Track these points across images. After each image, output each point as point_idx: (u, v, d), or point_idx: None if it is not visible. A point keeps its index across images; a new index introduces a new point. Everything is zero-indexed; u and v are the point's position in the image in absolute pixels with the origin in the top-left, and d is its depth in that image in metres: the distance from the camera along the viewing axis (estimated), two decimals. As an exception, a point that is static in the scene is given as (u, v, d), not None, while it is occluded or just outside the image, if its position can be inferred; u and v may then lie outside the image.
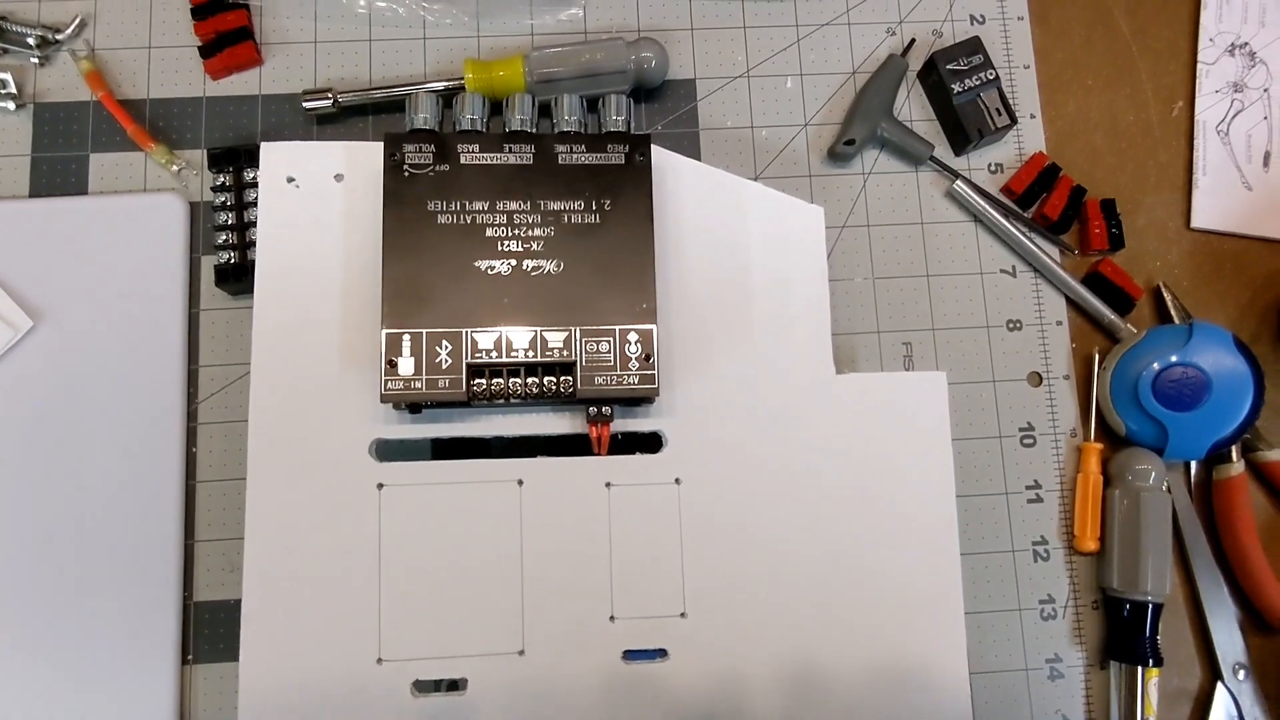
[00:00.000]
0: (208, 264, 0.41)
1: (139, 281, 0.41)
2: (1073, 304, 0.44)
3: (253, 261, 0.39)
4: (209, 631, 0.39)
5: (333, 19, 0.44)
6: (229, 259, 0.40)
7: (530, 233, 0.35)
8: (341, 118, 0.43)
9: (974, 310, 0.44)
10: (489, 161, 0.36)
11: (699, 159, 0.44)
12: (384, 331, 0.34)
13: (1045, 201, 0.44)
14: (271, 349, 0.37)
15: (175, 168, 0.42)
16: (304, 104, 0.42)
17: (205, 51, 0.43)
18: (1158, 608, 0.39)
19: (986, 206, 0.44)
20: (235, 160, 0.41)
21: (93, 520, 0.39)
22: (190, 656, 0.39)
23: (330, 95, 0.42)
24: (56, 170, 0.42)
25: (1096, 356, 0.43)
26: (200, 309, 0.42)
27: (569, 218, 0.35)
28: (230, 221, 0.41)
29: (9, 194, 0.42)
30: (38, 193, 0.42)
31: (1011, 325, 0.44)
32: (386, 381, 0.34)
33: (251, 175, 0.41)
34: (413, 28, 0.45)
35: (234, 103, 0.43)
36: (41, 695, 0.37)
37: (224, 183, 0.41)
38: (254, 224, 0.40)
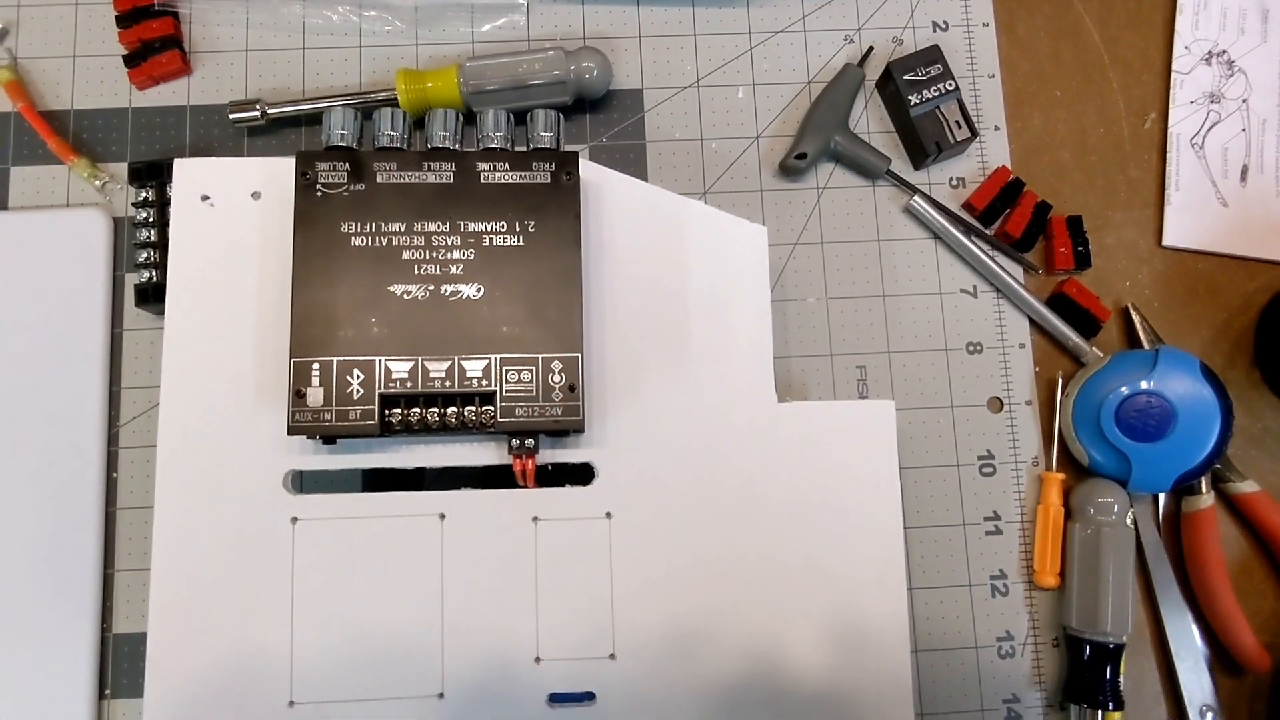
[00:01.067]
0: (131, 282, 0.40)
1: (60, 299, 0.39)
2: (1036, 326, 0.42)
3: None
4: (129, 665, 0.37)
5: (265, 27, 0.43)
6: (150, 278, 0.39)
7: (449, 255, 0.33)
8: (272, 129, 0.42)
9: (932, 332, 0.42)
10: (407, 180, 0.34)
11: (645, 172, 0.42)
12: (291, 360, 0.32)
13: (1008, 218, 0.42)
14: (183, 373, 0.35)
15: (99, 182, 0.41)
16: (231, 116, 0.40)
17: (130, 60, 0.41)
18: (1119, 648, 0.37)
19: (946, 223, 0.42)
20: (158, 175, 0.39)
21: (6, 548, 0.37)
22: (108, 691, 0.37)
23: (258, 107, 0.40)
24: (-25, 184, 0.41)
25: (1060, 381, 0.41)
26: (123, 329, 0.40)
27: (491, 240, 0.34)
28: (152, 239, 0.39)
29: (-74, 209, 0.40)
30: (-44, 207, 0.41)
31: (972, 348, 0.42)
32: (294, 412, 0.32)
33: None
34: (349, 36, 0.43)
35: (161, 114, 0.42)
36: (-53, 733, 0.36)
37: (146, 198, 0.39)
38: (176, 242, 0.38)
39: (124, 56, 0.41)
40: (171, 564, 0.34)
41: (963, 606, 0.40)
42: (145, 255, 0.39)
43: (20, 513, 0.38)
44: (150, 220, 0.39)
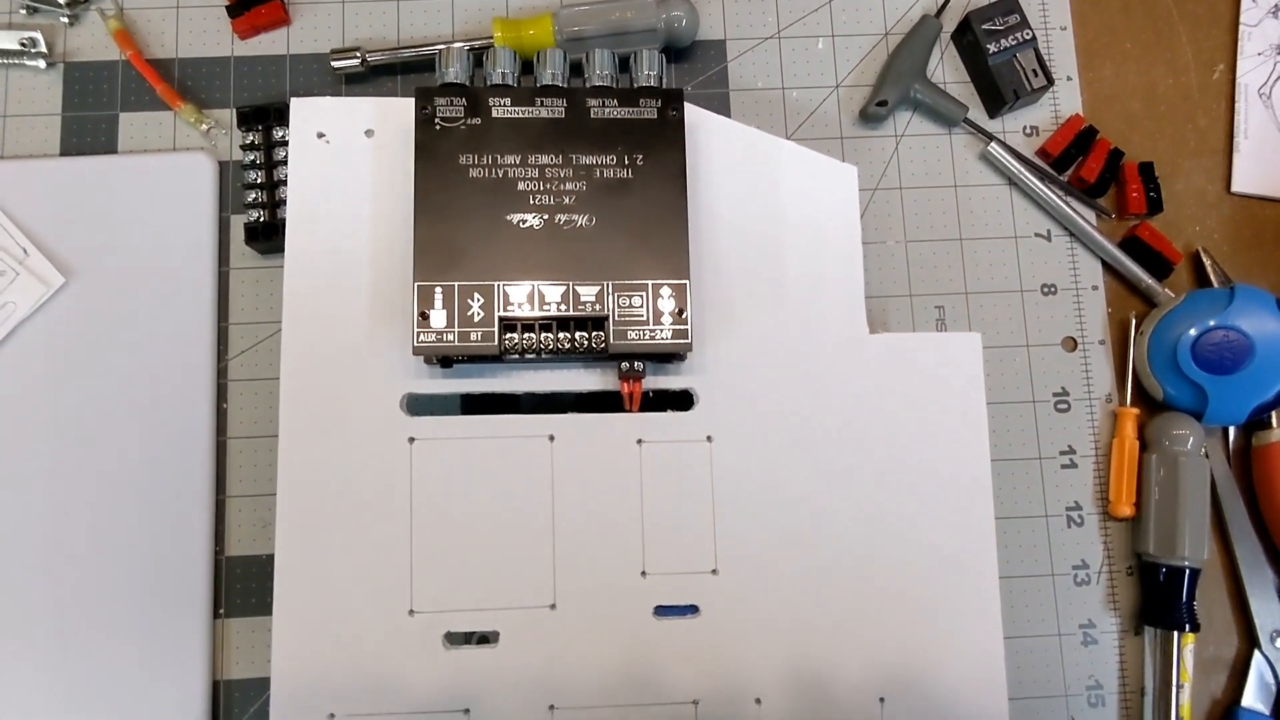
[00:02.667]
0: (237, 223, 0.41)
1: (169, 240, 0.41)
2: (1109, 268, 0.43)
3: (282, 220, 0.39)
4: (241, 586, 0.39)
5: (361, -22, 0.44)
6: (258, 217, 0.40)
7: (562, 187, 0.35)
8: (370, 77, 0.43)
9: (1008, 274, 0.43)
10: (521, 115, 0.35)
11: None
12: (416, 284, 0.34)
13: (1082, 164, 0.43)
14: (303, 304, 0.36)
15: (204, 127, 0.42)
16: (332, 63, 0.42)
17: (233, 11, 0.43)
18: (1195, 573, 0.39)
19: (1021, 169, 0.43)
20: (264, 119, 0.41)
21: (124, 475, 0.39)
22: (222, 610, 0.39)
23: (359, 55, 0.42)
24: (87, 129, 0.42)
25: (1133, 321, 0.42)
26: (230, 268, 0.42)
27: (601, 172, 0.35)
28: (259, 180, 0.41)
29: (40, 152, 0.42)
30: (68, 151, 0.42)
31: (1046, 289, 0.43)
32: (419, 334, 0.33)
33: (280, 134, 0.41)
34: (441, -13, 0.44)
35: (262, 62, 0.43)
36: (74, 650, 0.37)
37: (253, 141, 0.41)
38: (283, 182, 0.40)
39: (227, 7, 0.43)
40: (296, 484, 0.35)
41: (1040, 536, 0.41)
42: (253, 196, 0.41)
43: (137, 442, 0.39)
44: (257, 162, 0.41)
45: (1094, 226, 0.43)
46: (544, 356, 0.35)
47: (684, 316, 0.34)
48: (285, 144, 0.40)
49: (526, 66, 0.40)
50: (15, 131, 0.42)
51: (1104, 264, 0.43)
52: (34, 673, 0.37)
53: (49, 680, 0.37)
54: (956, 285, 0.43)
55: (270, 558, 0.37)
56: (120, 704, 0.37)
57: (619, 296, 0.34)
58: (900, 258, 0.43)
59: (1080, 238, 0.43)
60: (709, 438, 0.37)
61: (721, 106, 0.44)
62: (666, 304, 0.34)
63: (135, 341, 0.40)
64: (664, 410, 0.37)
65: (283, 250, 0.38)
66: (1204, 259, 0.43)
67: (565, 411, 0.37)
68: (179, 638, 0.38)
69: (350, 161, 0.37)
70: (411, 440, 0.36)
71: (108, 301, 0.40)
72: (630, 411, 0.36)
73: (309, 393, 0.36)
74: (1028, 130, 0.44)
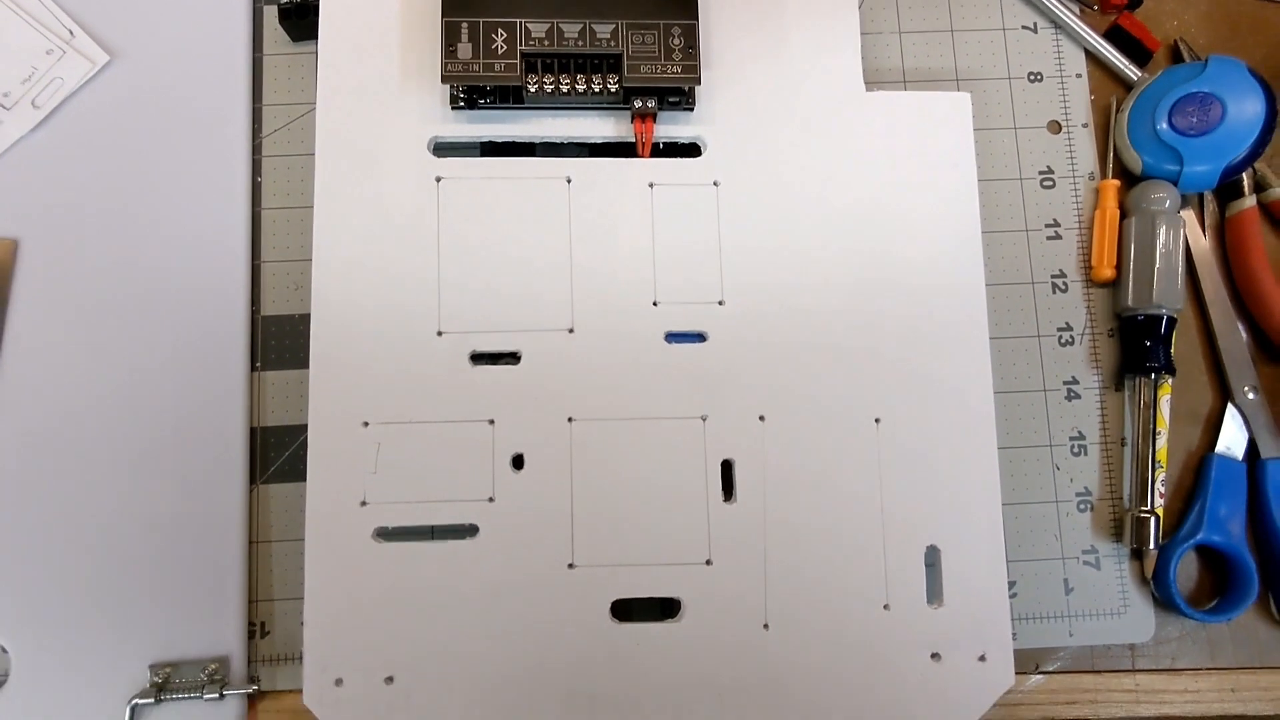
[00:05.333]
0: (270, 12, 0.44)
1: (206, 22, 0.44)
2: (1092, 58, 0.46)
3: (315, 2, 0.42)
4: (275, 342, 0.42)
5: None
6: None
7: (580, -68, 0.37)
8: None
9: (996, 63, 0.46)
10: None
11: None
12: (444, 20, 0.36)
13: (1066, -39, 0.46)
14: (336, 54, 0.39)
15: (239, -80, 0.45)
16: None
17: None
18: (1171, 321, 0.41)
19: (1009, -34, 0.45)
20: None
21: (163, 243, 0.42)
22: (259, 365, 0.42)
23: None
24: (128, -76, 0.45)
25: (1114, 102, 0.45)
26: (263, 53, 0.44)
27: (617, -81, 0.38)
28: (293, -36, 0.43)
29: (84, -57, 0.44)
30: (110, -58, 0.44)
31: (1033, 77, 0.46)
32: (446, 63, 0.36)
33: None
34: None
35: None
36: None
37: (286, -76, 0.43)
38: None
39: None
40: (332, 214, 0.38)
41: (1026, 300, 0.44)
42: (286, -21, 0.43)
43: (173, 213, 0.42)
44: (290, -52, 0.43)
45: (1078, 17, 0.45)
46: (561, 96, 0.37)
47: (694, 53, 0.37)
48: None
49: None
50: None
51: (1087, 53, 0.46)
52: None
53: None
54: (948, 74, 0.45)
55: (304, 316, 0.40)
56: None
57: (633, 34, 0.37)
58: (894, 47, 0.46)
59: (1064, 29, 0.46)
60: (716, 183, 0.39)
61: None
62: (677, 41, 0.37)
63: (174, 119, 0.43)
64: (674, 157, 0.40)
65: (314, 37, 0.41)
66: (1181, 47, 0.45)
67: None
68: (221, 390, 0.41)
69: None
70: (439, 180, 0.38)
71: (149, 80, 0.43)
72: (642, 157, 0.39)
73: (344, 131, 0.38)
74: (1015, -69, 0.47)
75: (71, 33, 0.43)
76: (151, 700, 0.37)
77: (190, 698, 0.37)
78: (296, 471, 0.40)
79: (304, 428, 0.38)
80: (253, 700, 0.39)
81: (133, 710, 0.37)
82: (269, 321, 0.42)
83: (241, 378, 0.41)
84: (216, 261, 0.42)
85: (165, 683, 0.38)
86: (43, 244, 0.41)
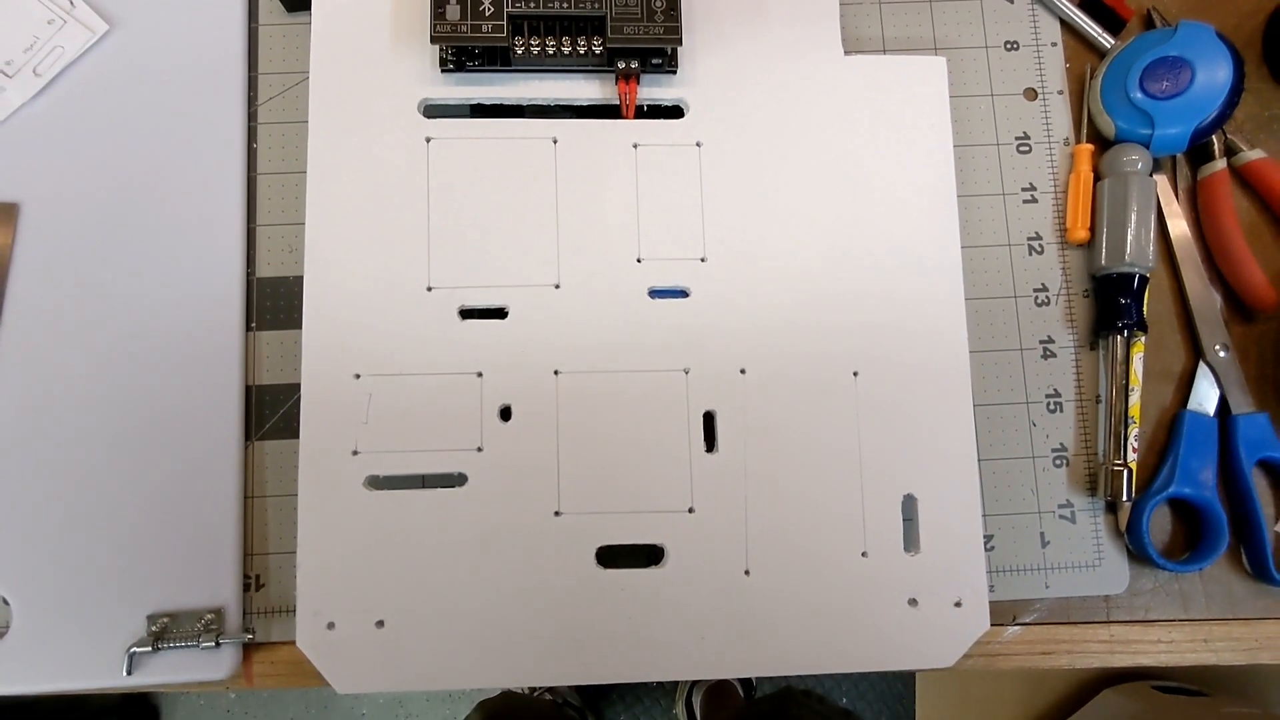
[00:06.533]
0: (266, -17, 0.45)
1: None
2: (1067, 27, 0.47)
3: (308, -28, 0.43)
4: (270, 303, 0.43)
5: None
6: (286, -30, 0.44)
7: (565, -100, 0.39)
8: None
9: (973, 32, 0.47)
10: None
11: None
12: (432, -18, 0.38)
13: (1042, -66, 0.47)
14: (331, 20, 0.40)
15: (234, -102, 0.46)
16: None
17: None
18: (1143, 280, 0.43)
19: (986, -62, 0.47)
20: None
21: (158, 206, 0.43)
22: (254, 325, 0.43)
23: None
24: (126, -101, 0.46)
25: (1089, 69, 0.46)
26: (259, 24, 0.45)
27: (600, -112, 0.39)
28: (286, -63, 0.44)
29: (84, -81, 0.46)
30: (108, -84, 0.46)
31: (1009, 45, 0.47)
32: (435, 24, 0.37)
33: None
34: None
35: None
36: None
37: (278, -97, 0.45)
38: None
39: None
40: (325, 174, 0.39)
41: (1003, 262, 0.45)
42: (280, -48, 0.44)
43: (171, 178, 0.43)
44: (284, -77, 0.45)
45: (1053, -13, 0.47)
46: (548, 57, 0.39)
47: (675, 15, 0.38)
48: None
49: None
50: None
51: (1062, 22, 0.47)
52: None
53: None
54: (926, 42, 0.47)
55: (296, 279, 0.41)
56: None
57: (615, -3, 0.38)
58: (874, 16, 0.47)
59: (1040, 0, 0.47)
60: (698, 143, 0.40)
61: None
62: (659, 4, 0.38)
63: (171, 86, 0.44)
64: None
65: (308, 7, 0.42)
66: (1154, 15, 0.47)
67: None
68: (218, 348, 0.42)
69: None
70: (429, 140, 0.39)
71: (148, 49, 0.44)
72: (627, 119, 0.40)
73: (337, 94, 0.40)
74: (992, -96, 0.48)
75: (72, 2, 0.44)
76: (149, 649, 0.38)
77: (187, 646, 0.38)
78: (291, 429, 0.41)
79: (298, 386, 0.39)
80: (248, 651, 0.40)
81: (131, 658, 0.38)
82: (264, 283, 0.43)
83: (237, 338, 0.42)
84: (213, 226, 0.43)
85: (163, 632, 0.39)
86: (44, 207, 0.42)
